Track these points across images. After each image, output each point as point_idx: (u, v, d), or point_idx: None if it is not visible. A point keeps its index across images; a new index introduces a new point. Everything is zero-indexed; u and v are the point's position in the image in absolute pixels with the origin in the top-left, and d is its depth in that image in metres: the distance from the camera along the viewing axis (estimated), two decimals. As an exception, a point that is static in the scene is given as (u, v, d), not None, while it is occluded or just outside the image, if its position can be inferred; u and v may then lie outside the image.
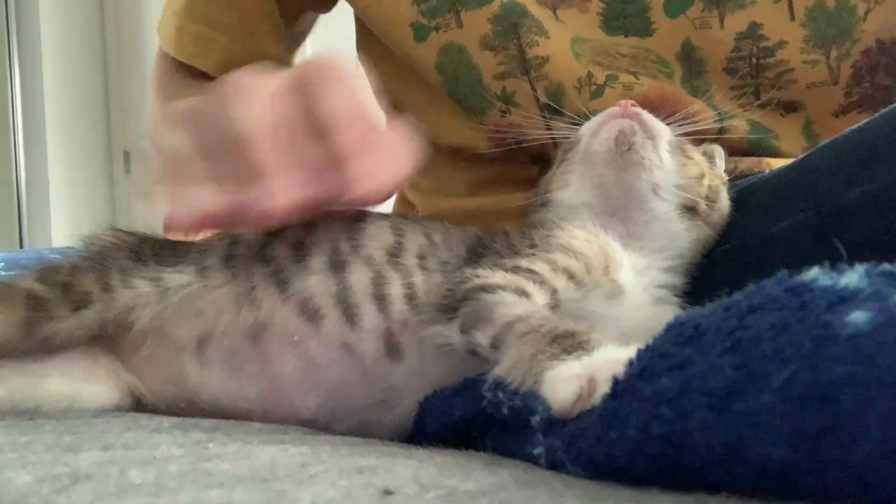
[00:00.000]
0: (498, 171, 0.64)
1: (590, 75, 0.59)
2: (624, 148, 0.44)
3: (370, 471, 0.25)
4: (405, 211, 0.77)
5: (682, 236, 0.46)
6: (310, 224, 0.43)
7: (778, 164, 0.59)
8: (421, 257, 0.43)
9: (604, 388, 0.26)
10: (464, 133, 0.65)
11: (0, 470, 0.25)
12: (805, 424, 0.19)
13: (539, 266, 0.40)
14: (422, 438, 0.39)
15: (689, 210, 0.45)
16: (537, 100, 0.60)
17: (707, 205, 0.46)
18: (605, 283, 0.41)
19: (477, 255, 0.44)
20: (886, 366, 0.18)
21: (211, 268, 0.40)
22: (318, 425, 0.39)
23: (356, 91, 0.39)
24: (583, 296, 0.40)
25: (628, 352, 0.28)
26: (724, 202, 0.48)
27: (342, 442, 0.32)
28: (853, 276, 0.22)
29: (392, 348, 0.39)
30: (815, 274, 0.23)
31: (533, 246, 0.42)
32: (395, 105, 0.75)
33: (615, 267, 0.42)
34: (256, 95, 0.38)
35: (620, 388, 0.25)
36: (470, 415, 0.36)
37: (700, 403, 0.22)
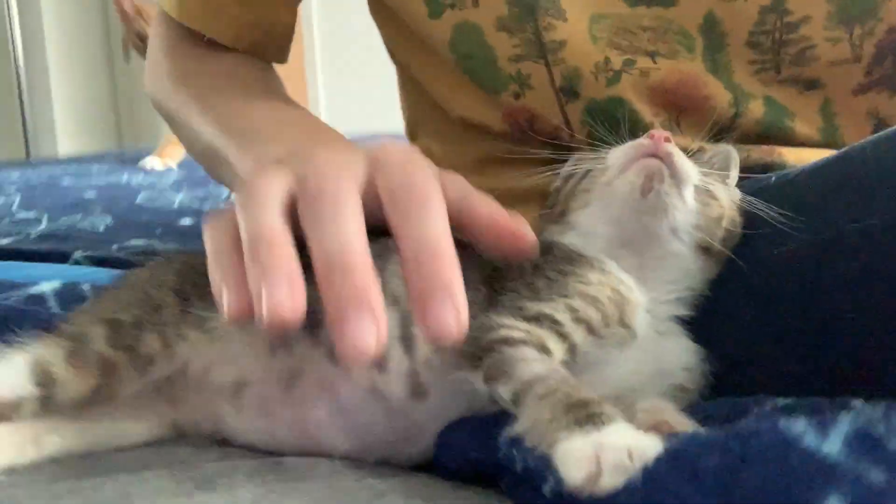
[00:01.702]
0: (508, 147, 0.65)
1: (607, 61, 0.59)
2: (649, 195, 0.45)
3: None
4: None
5: (695, 273, 0.48)
6: None
7: (789, 153, 0.60)
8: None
9: (611, 479, 0.30)
10: (476, 110, 0.66)
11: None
12: None
13: (561, 315, 0.42)
14: (442, 471, 0.42)
15: (705, 250, 0.47)
16: (553, 84, 0.61)
17: (721, 242, 0.47)
18: (619, 332, 0.44)
19: (494, 288, 0.46)
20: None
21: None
22: (347, 457, 0.43)
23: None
24: (597, 347, 0.43)
25: (632, 437, 0.31)
26: (737, 232, 0.49)
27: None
28: (833, 446, 0.24)
29: (416, 388, 0.42)
30: (802, 429, 0.25)
31: (550, 286, 0.44)
32: (405, 70, 0.75)
33: (630, 311, 0.45)
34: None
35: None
36: (485, 458, 0.39)
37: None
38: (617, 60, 0.58)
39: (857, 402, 0.34)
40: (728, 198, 0.49)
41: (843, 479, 0.23)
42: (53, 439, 0.41)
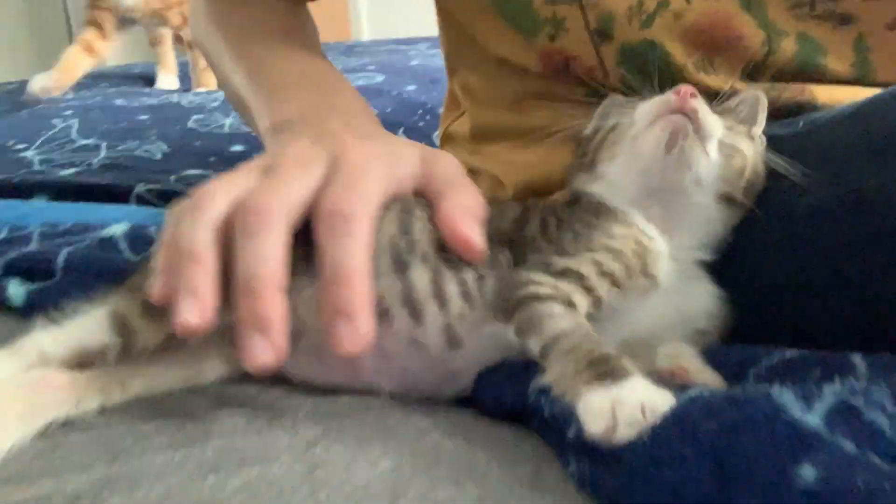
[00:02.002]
0: (543, 86, 0.67)
1: (640, 3, 0.60)
2: (674, 150, 0.47)
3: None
4: (455, 114, 0.81)
5: (718, 221, 0.50)
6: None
7: (821, 92, 0.61)
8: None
9: (625, 432, 0.34)
10: (513, 50, 0.68)
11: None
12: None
13: (586, 270, 0.45)
14: (480, 406, 0.47)
15: (728, 199, 0.49)
16: (587, 27, 0.62)
17: (745, 192, 0.49)
18: (642, 282, 0.47)
19: (517, 242, 0.50)
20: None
21: (299, 273, 0.46)
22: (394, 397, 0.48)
23: None
24: (621, 297, 0.46)
25: (645, 392, 0.36)
26: (762, 178, 0.51)
27: (421, 442, 0.41)
28: (815, 417, 0.28)
29: (452, 339, 0.47)
30: (788, 401, 0.29)
31: (577, 240, 0.48)
32: (444, 8, 0.77)
33: (652, 259, 0.47)
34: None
35: (638, 467, 0.32)
36: (518, 402, 0.44)
37: (693, 501, 0.29)
38: (650, 3, 0.59)
39: (857, 359, 0.37)
40: (751, 148, 0.50)
41: (818, 449, 0.27)
42: (137, 382, 0.47)
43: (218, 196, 0.45)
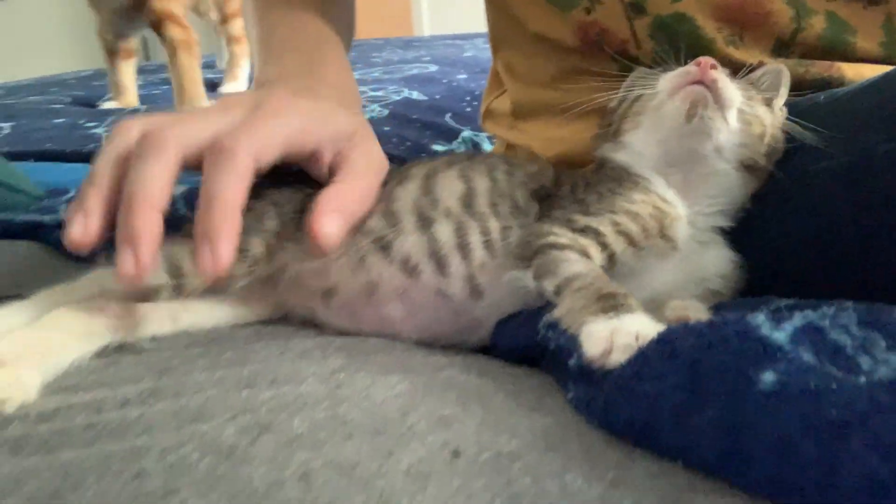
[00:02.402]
0: (579, 62, 0.70)
1: None
2: (694, 119, 0.49)
3: (448, 423, 0.37)
4: (497, 92, 0.84)
5: (738, 188, 0.52)
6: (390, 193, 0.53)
7: (848, 69, 0.63)
8: (493, 204, 0.52)
9: (619, 355, 0.37)
10: (550, 25, 0.71)
11: (211, 416, 0.38)
12: (716, 447, 0.29)
13: (605, 227, 0.48)
14: (496, 353, 0.50)
15: (748, 167, 0.51)
16: (622, 1, 0.64)
17: (765, 158, 0.51)
18: (659, 244, 0.49)
19: (542, 199, 0.53)
20: (771, 425, 0.28)
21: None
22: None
23: None
24: (637, 258, 0.49)
25: (642, 324, 0.38)
26: (780, 149, 0.53)
27: (436, 375, 0.44)
28: (782, 334, 0.30)
29: (474, 289, 0.50)
30: (760, 321, 0.32)
31: (600, 201, 0.50)
32: None
33: (670, 223, 0.50)
34: None
35: (624, 383, 0.35)
36: (531, 344, 0.47)
37: (667, 410, 0.32)
38: None
39: (849, 304, 0.39)
40: (770, 116, 0.52)
41: (780, 359, 0.29)
42: (186, 316, 0.52)
43: (133, 129, 0.49)
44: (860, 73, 0.61)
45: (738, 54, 0.62)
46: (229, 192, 0.46)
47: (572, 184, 0.54)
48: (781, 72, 0.56)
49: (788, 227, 0.52)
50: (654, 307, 0.48)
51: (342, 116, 0.57)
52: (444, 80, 1.40)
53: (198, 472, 0.34)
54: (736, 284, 0.52)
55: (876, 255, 0.47)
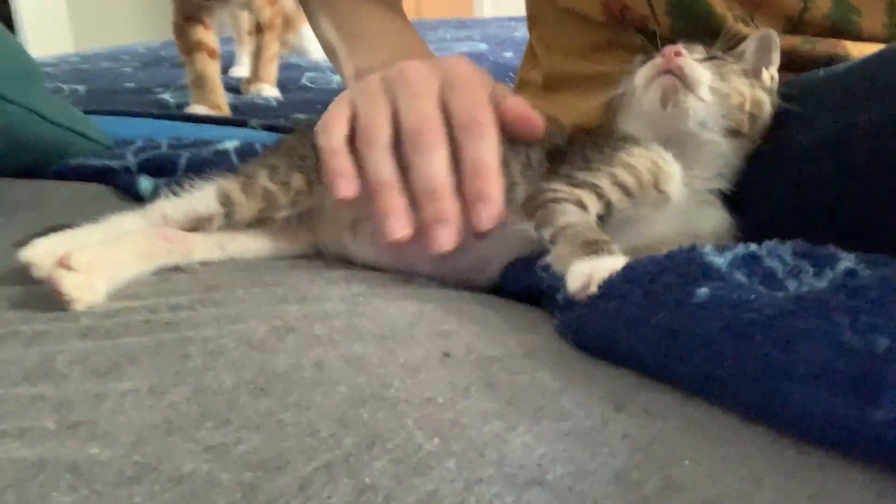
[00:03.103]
0: (607, 35, 0.75)
1: None
2: (669, 105, 0.54)
3: (446, 335, 0.44)
4: (531, 65, 0.89)
5: (730, 153, 0.56)
6: None
7: (854, 47, 0.66)
8: (504, 162, 0.58)
9: (595, 287, 0.42)
10: (578, 1, 0.75)
11: (246, 320, 0.45)
12: (658, 350, 0.35)
13: (602, 180, 0.53)
14: (505, 293, 0.56)
15: (735, 133, 0.56)
16: None
17: (750, 123, 0.56)
18: (653, 194, 0.54)
19: (554, 159, 0.58)
20: (700, 328, 0.33)
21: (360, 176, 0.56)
22: (435, 278, 0.58)
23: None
24: (633, 205, 0.54)
25: (617, 261, 0.44)
26: (767, 110, 0.57)
27: (445, 303, 0.51)
28: (722, 260, 0.36)
29: (490, 234, 0.56)
30: (707, 250, 0.37)
31: (602, 159, 0.56)
32: None
33: (665, 178, 0.55)
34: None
35: (593, 302, 0.41)
36: (532, 283, 0.52)
37: (623, 321, 0.38)
38: None
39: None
40: (748, 85, 0.56)
41: (716, 279, 0.35)
42: (233, 246, 0.59)
43: (383, 123, 0.56)
44: (865, 51, 0.65)
45: (748, 31, 0.66)
46: (491, 159, 0.55)
47: (581, 144, 0.59)
48: (770, 37, 0.60)
49: (778, 193, 0.56)
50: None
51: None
52: (491, 58, 1.46)
53: (231, 356, 0.41)
54: (730, 243, 0.56)
55: (857, 219, 0.51)
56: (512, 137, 0.57)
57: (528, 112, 0.57)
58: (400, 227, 0.54)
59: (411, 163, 0.55)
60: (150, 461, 0.32)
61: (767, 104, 0.56)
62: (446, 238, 0.53)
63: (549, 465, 0.31)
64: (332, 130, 0.57)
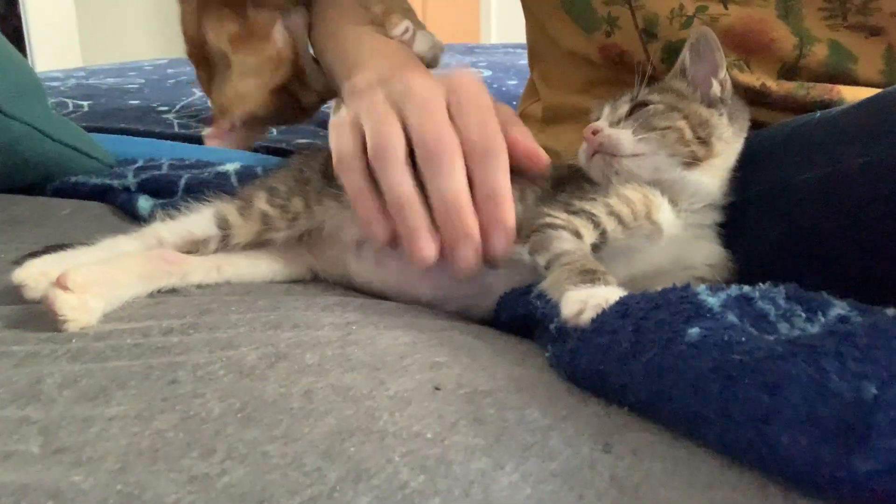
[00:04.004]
0: (606, 74, 0.76)
1: (681, 7, 0.68)
2: (612, 174, 0.56)
3: (438, 367, 0.43)
4: (531, 100, 0.90)
5: (702, 180, 0.56)
6: None
7: (848, 91, 0.67)
8: (521, 195, 0.58)
9: (589, 315, 0.42)
10: (578, 44, 0.77)
11: (238, 346, 0.45)
12: (646, 387, 0.35)
13: (598, 210, 0.54)
14: (499, 324, 0.56)
15: (693, 162, 0.56)
16: (636, 26, 0.70)
17: (702, 146, 0.56)
18: (646, 225, 0.54)
19: (556, 187, 0.59)
20: (690, 368, 0.33)
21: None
22: (434, 305, 0.58)
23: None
24: (627, 236, 0.54)
25: (613, 292, 0.44)
26: (719, 126, 0.57)
27: (438, 333, 0.51)
28: (715, 300, 0.36)
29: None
30: (700, 290, 0.37)
31: (597, 190, 0.56)
32: (528, 9, 0.87)
33: (655, 209, 0.55)
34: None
35: (585, 336, 0.40)
36: (527, 312, 0.52)
37: (614, 357, 0.38)
38: (690, 6, 0.66)
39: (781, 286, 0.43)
40: (679, 115, 0.57)
41: (709, 318, 0.35)
42: (228, 269, 0.59)
43: (397, 140, 0.55)
44: (859, 96, 0.65)
45: (743, 77, 0.66)
46: (506, 185, 0.55)
47: (579, 175, 0.59)
48: (705, 37, 0.59)
49: (772, 233, 0.56)
50: (641, 289, 0.54)
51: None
52: (495, 85, 1.47)
53: (221, 383, 0.41)
54: (723, 277, 0.56)
55: (848, 261, 0.51)
56: (516, 169, 0.57)
57: (535, 147, 0.57)
58: (429, 246, 0.54)
59: (431, 181, 0.54)
60: (132, 490, 0.31)
61: (716, 117, 0.57)
62: (472, 256, 0.53)
63: (535, 505, 0.30)
64: (352, 164, 0.56)
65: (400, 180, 0.54)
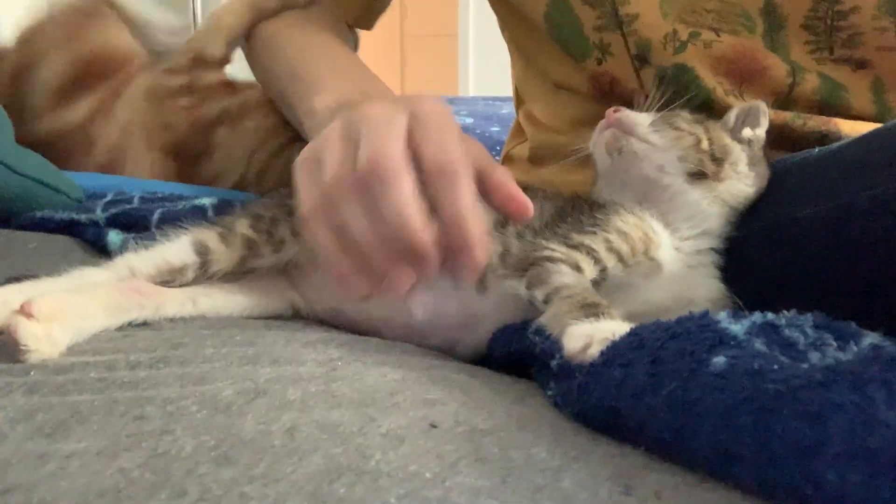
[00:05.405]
0: (594, 110, 0.74)
1: (674, 32, 0.67)
2: (616, 154, 0.55)
3: (431, 404, 0.40)
4: (517, 140, 0.89)
5: (702, 202, 0.55)
6: None
7: (844, 124, 0.66)
8: (518, 231, 0.56)
9: (596, 349, 0.39)
10: (567, 74, 0.75)
11: (213, 381, 0.41)
12: (667, 423, 0.31)
13: (598, 245, 0.52)
14: (491, 361, 0.53)
15: (698, 175, 0.54)
16: (629, 52, 0.69)
17: (713, 163, 0.55)
18: (644, 262, 0.52)
19: (556, 221, 0.56)
20: (717, 400, 0.30)
21: None
22: (420, 335, 0.54)
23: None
24: (626, 273, 0.52)
25: (620, 326, 0.41)
26: (737, 156, 0.56)
27: (429, 371, 0.47)
28: (739, 327, 0.33)
29: (481, 285, 0.53)
30: (721, 317, 0.34)
31: (596, 223, 0.54)
32: (513, 44, 0.86)
33: (654, 247, 0.53)
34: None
35: (595, 370, 0.37)
36: (523, 348, 0.49)
37: (630, 391, 0.34)
38: (683, 32, 0.65)
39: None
40: (702, 128, 0.57)
41: (733, 346, 0.32)
42: (205, 301, 0.55)
43: (402, 173, 0.48)
44: (856, 129, 0.64)
45: (737, 104, 0.65)
46: (469, 204, 0.48)
47: (578, 207, 0.57)
48: (758, 108, 0.60)
49: (769, 268, 0.54)
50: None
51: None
52: (478, 131, 1.45)
53: (194, 419, 0.37)
54: (724, 309, 0.54)
55: (853, 295, 0.49)
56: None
57: (517, 193, 0.50)
58: (408, 279, 0.48)
59: (378, 202, 0.47)
60: (90, 536, 0.27)
61: (737, 149, 0.56)
62: (406, 280, 0.47)
63: (551, 553, 0.27)
64: (319, 217, 0.49)
65: (356, 220, 0.48)
